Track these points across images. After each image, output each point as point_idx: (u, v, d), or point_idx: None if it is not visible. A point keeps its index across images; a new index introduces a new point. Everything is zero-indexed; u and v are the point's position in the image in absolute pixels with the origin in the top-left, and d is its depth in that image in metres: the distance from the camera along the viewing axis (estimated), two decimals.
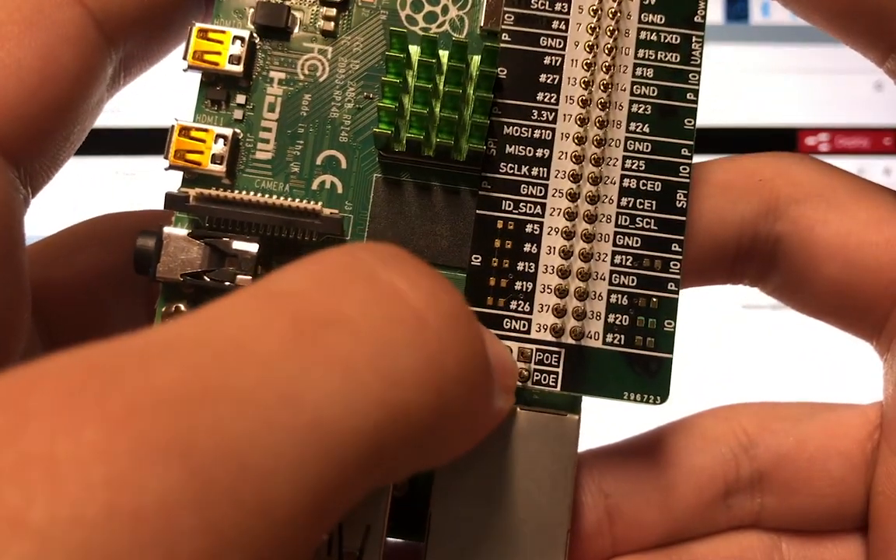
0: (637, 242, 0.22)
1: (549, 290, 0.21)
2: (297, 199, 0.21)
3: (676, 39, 0.22)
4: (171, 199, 0.21)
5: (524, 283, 0.21)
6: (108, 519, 0.11)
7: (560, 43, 0.22)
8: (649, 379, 0.21)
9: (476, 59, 0.22)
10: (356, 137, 0.22)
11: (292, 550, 0.13)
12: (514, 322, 0.21)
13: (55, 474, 0.11)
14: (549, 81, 0.22)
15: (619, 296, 0.21)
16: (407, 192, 0.22)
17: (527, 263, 0.22)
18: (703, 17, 0.22)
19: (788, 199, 0.22)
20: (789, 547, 0.23)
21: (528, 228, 0.22)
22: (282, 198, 0.21)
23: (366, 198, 0.22)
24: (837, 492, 0.23)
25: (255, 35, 0.22)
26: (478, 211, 0.22)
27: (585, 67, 0.22)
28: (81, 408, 0.12)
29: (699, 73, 0.22)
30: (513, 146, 0.22)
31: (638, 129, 0.22)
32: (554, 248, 0.22)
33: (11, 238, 0.20)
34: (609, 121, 0.22)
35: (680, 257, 0.22)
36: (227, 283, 0.21)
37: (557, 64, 0.22)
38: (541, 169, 0.22)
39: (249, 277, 0.21)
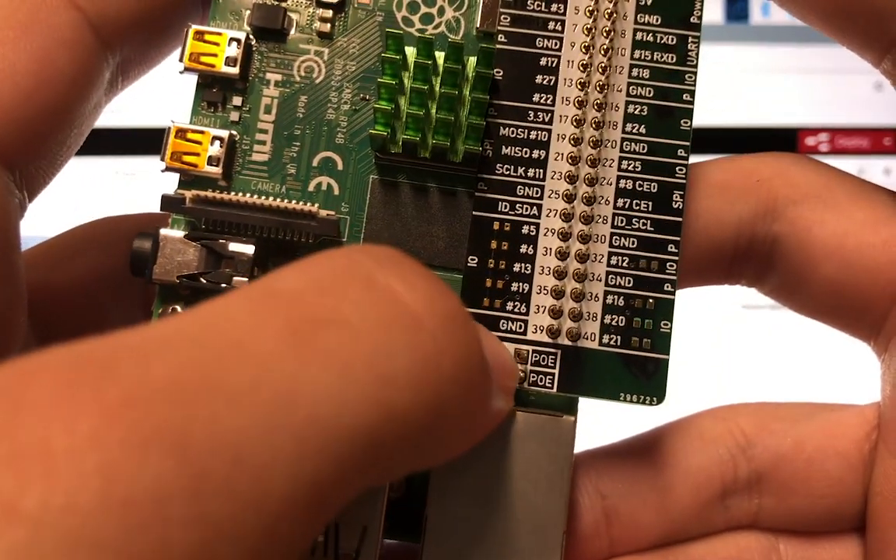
0: (633, 243, 0.22)
1: (545, 291, 0.21)
2: (294, 201, 0.21)
3: (672, 40, 0.22)
4: (167, 201, 0.21)
5: (520, 284, 0.21)
6: (101, 506, 0.11)
7: (556, 44, 0.22)
8: (646, 380, 0.21)
9: (472, 60, 0.22)
10: (352, 139, 0.22)
11: (286, 546, 0.13)
12: (510, 323, 0.21)
13: (49, 462, 0.11)
14: (545, 82, 0.22)
15: (616, 297, 0.21)
16: (403, 193, 0.22)
17: (523, 264, 0.22)
18: (700, 18, 0.22)
19: (786, 199, 0.22)
20: (787, 547, 0.23)
21: (525, 229, 0.22)
22: (278, 199, 0.21)
23: (362, 199, 0.22)
24: (835, 492, 0.23)
25: (251, 37, 0.22)
26: (474, 212, 0.22)
27: (581, 68, 0.22)
28: (77, 398, 0.12)
29: (695, 73, 0.22)
30: (509, 147, 0.22)
31: (634, 130, 0.22)
32: (550, 249, 0.22)
33: (6, 241, 0.20)
34: (605, 122, 0.22)
35: (676, 258, 0.21)
36: (223, 285, 0.21)
37: (553, 65, 0.22)
38: (537, 170, 0.22)
39: (246, 279, 0.21)
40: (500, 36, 0.22)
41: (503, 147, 0.22)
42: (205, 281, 0.21)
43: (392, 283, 0.15)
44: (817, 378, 0.47)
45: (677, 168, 0.22)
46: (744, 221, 0.22)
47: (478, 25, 0.22)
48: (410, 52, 0.22)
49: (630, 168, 0.22)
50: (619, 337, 0.21)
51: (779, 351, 0.48)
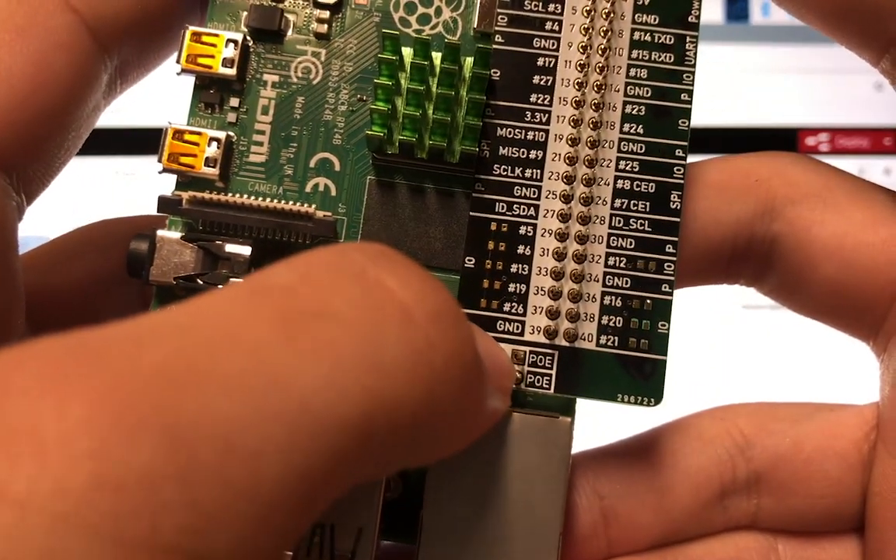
0: (631, 244, 0.22)
1: (542, 292, 0.21)
2: (291, 202, 0.21)
3: (670, 40, 0.22)
4: (163, 203, 0.21)
5: (517, 285, 0.21)
6: (91, 489, 0.11)
7: (553, 44, 0.22)
8: (643, 381, 0.21)
9: (469, 60, 0.22)
10: (350, 140, 0.22)
11: (278, 535, 0.13)
12: (507, 324, 0.21)
13: (40, 446, 0.11)
14: (542, 83, 0.22)
15: (613, 297, 0.21)
16: (400, 194, 0.22)
17: (520, 265, 0.22)
18: (697, 18, 0.22)
19: (785, 199, 0.22)
20: (786, 548, 0.23)
21: (522, 230, 0.22)
22: (275, 200, 0.21)
23: (359, 200, 0.22)
24: (834, 493, 0.23)
25: (248, 38, 0.22)
26: (471, 213, 0.22)
27: (579, 68, 0.22)
28: (68, 383, 0.12)
29: (693, 73, 0.22)
30: (506, 148, 0.22)
31: (632, 131, 0.22)
32: (547, 249, 0.22)
33: (4, 243, 0.20)
34: (603, 122, 0.22)
35: (674, 259, 0.21)
36: (219, 286, 0.21)
37: (551, 65, 0.22)
38: (534, 171, 0.22)
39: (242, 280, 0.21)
40: (497, 36, 0.22)
41: (500, 148, 0.22)
42: (201, 282, 0.21)
43: (384, 278, 0.15)
44: (816, 378, 0.47)
45: (675, 168, 0.22)
46: (742, 221, 0.22)
47: (475, 26, 0.22)
48: (407, 52, 0.22)
49: (628, 168, 0.22)
50: (616, 338, 0.21)
51: (778, 351, 0.48)
